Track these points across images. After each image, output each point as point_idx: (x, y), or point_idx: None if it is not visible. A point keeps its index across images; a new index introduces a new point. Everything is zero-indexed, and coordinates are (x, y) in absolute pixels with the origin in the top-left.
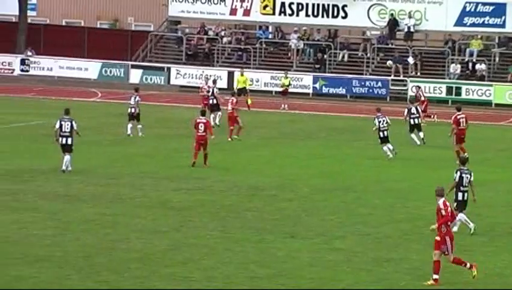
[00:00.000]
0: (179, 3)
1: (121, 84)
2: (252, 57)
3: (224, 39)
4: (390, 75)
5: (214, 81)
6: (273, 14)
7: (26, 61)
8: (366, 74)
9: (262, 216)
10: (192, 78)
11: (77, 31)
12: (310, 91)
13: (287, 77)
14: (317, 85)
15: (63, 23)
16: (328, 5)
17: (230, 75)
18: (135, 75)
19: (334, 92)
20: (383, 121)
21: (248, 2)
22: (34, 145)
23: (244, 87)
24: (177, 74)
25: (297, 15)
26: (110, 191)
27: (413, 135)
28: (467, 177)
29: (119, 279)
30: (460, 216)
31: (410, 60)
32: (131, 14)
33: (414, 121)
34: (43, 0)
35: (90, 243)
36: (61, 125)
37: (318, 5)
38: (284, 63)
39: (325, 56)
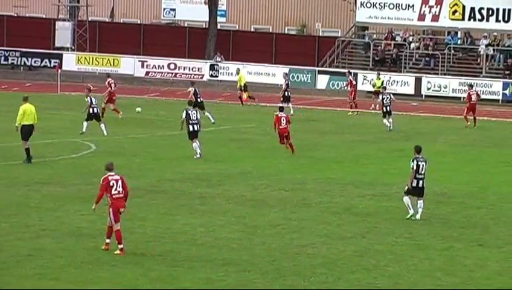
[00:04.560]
0: (366, 9)
1: (308, 90)
2: (440, 62)
3: (412, 45)
4: None
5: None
6: (463, 19)
7: (216, 66)
8: None
9: (449, 223)
10: None
11: (265, 37)
12: (500, 98)
13: (379, 78)
14: (507, 91)
15: (252, 29)
16: None
17: (418, 81)
18: (322, 81)
19: None
20: None
21: (437, 7)
22: (222, 149)
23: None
24: (364, 79)
25: (487, 20)
26: (296, 196)
27: None
28: (423, 165)
29: (305, 283)
30: (406, 199)
31: None
32: (318, 19)
33: None
34: (233, 7)
35: (276, 247)
36: (188, 114)
37: (509, 10)
38: (472, 69)
39: None
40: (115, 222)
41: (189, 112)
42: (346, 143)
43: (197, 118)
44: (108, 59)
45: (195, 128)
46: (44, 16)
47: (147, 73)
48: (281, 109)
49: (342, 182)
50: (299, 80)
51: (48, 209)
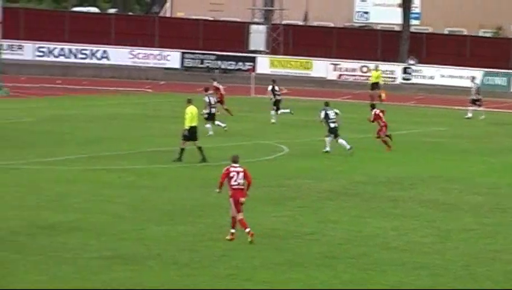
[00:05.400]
0: None
1: (502, 93)
2: None
3: None
4: None
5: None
6: None
7: (408, 69)
8: None
9: None
10: None
11: (459, 40)
12: None
13: None
14: None
15: (445, 32)
16: None
17: None
18: None
19: None
20: None
21: None
22: (415, 152)
23: (377, 82)
24: None
25: None
26: (490, 200)
27: None
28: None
29: (498, 289)
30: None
31: None
32: None
33: None
34: (427, 10)
35: (470, 252)
36: (327, 114)
37: None
38: None
39: None
40: (237, 212)
41: (328, 111)
42: None
43: (335, 116)
44: (301, 62)
45: (335, 126)
46: (238, 20)
47: (339, 76)
48: (373, 106)
49: None
50: (494, 83)
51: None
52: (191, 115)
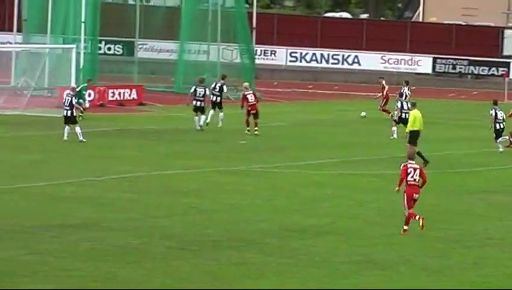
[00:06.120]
0: None
1: None
2: None
3: None
4: None
5: None
6: None
7: None
8: None
9: None
10: None
11: None
12: None
13: None
14: None
15: None
16: None
17: None
18: None
19: None
20: None
21: None
22: None
23: None
24: None
25: None
26: None
27: None
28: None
29: None
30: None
31: None
32: None
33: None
34: None
35: None
36: (496, 114)
37: None
38: None
39: None
40: (408, 208)
41: (497, 111)
42: None
43: (502, 117)
44: None
45: (502, 127)
46: (492, 24)
47: None
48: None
49: None
50: None
51: (493, 218)
52: (414, 118)
